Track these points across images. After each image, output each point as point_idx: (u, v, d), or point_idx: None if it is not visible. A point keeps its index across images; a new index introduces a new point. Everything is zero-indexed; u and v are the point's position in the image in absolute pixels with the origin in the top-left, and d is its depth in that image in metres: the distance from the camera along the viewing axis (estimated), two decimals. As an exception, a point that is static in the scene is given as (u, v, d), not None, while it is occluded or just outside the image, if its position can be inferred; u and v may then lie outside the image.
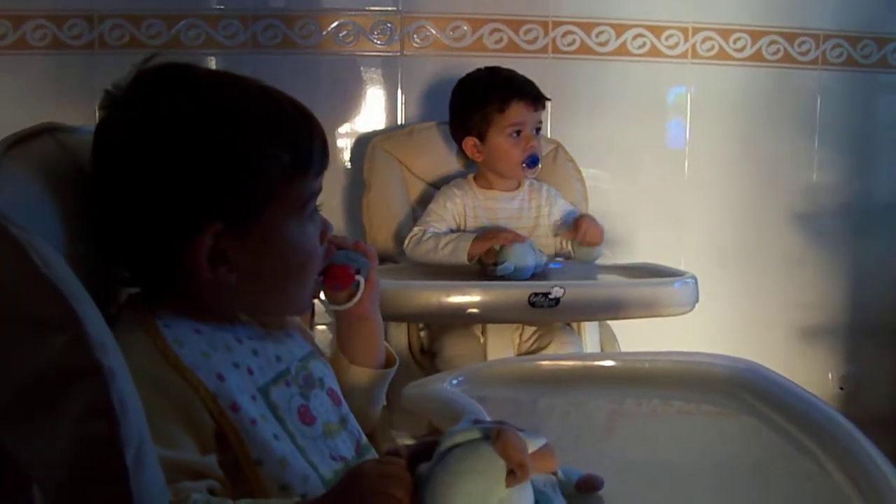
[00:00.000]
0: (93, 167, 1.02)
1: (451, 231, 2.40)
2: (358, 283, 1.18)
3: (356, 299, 1.19)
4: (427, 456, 0.85)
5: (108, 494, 0.76)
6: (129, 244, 1.02)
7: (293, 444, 1.00)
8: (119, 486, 0.75)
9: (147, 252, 1.01)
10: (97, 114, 1.04)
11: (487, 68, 2.49)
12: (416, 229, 2.37)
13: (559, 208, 2.48)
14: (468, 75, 2.50)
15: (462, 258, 2.23)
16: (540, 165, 2.44)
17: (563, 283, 1.96)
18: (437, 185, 2.63)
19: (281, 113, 1.04)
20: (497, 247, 2.19)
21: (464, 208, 2.44)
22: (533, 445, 0.82)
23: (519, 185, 2.49)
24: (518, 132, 2.39)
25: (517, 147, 2.39)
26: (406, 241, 2.35)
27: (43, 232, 0.85)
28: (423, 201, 2.62)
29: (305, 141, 1.05)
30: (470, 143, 2.45)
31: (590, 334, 2.34)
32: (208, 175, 0.98)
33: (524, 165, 2.40)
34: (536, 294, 1.92)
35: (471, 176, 2.52)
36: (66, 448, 0.75)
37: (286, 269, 1.07)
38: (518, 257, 2.15)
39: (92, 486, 0.76)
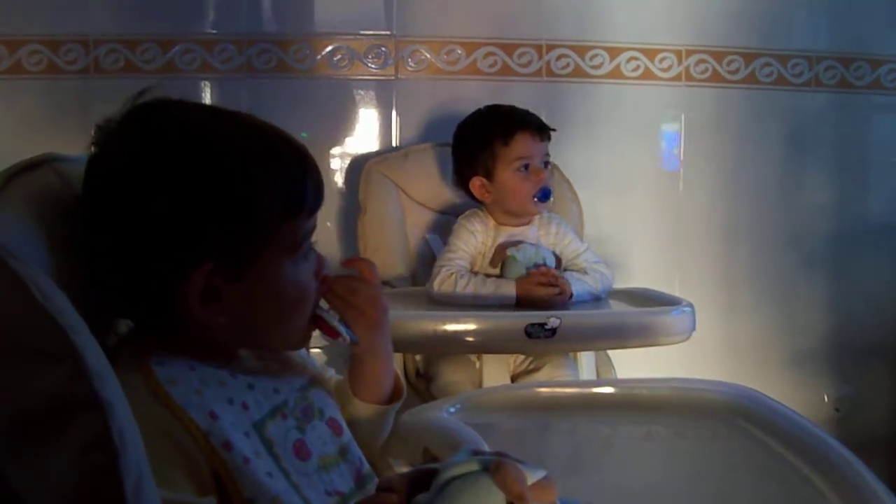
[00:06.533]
0: (83, 203, 1.00)
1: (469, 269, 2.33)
2: (344, 339, 1.15)
3: (344, 344, 1.17)
4: (424, 485, 0.85)
5: None
6: (123, 280, 1.01)
7: (287, 482, 0.99)
8: None
9: (141, 287, 1.00)
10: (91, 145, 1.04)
11: (487, 106, 2.43)
12: (444, 271, 2.25)
13: (567, 244, 2.38)
14: (468, 116, 2.44)
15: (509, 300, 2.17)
16: (552, 199, 2.37)
17: (559, 313, 1.96)
18: (432, 208, 2.63)
19: (275, 153, 1.03)
20: (509, 252, 2.23)
21: (483, 245, 2.36)
22: (532, 477, 0.82)
23: (530, 221, 2.39)
24: (526, 166, 2.31)
25: (527, 181, 2.31)
26: (437, 284, 2.23)
27: (41, 263, 0.85)
28: (419, 223, 2.63)
29: (299, 181, 1.04)
30: (477, 183, 2.36)
31: (586, 359, 2.34)
32: (200, 217, 0.97)
33: (535, 199, 2.32)
34: (533, 325, 1.91)
35: (486, 210, 2.40)
36: (66, 480, 0.74)
37: (279, 309, 1.06)
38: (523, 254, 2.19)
39: (92, 518, 0.75)
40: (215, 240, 0.98)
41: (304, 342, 1.13)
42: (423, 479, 0.84)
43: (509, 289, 2.17)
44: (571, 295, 2.18)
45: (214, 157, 0.99)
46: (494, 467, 0.79)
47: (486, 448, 1.10)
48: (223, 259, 0.98)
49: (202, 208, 0.97)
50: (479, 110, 2.44)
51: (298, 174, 1.04)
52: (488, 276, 2.27)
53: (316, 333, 1.14)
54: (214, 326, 1.00)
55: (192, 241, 0.97)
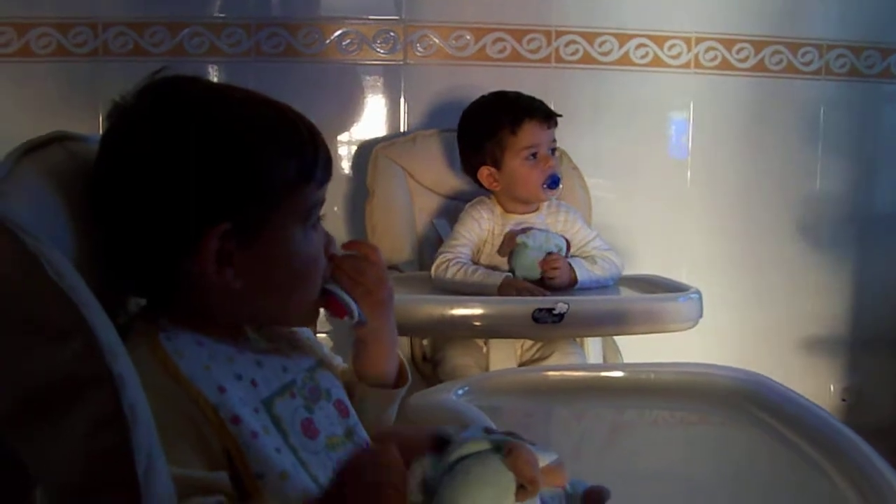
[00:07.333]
0: (98, 175, 1.01)
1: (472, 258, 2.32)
2: (353, 316, 1.15)
3: (352, 322, 1.16)
4: (429, 447, 0.85)
5: (118, 502, 0.76)
6: (135, 253, 1.01)
7: (295, 458, 0.99)
8: (129, 493, 0.75)
9: (153, 260, 1.01)
10: (102, 121, 1.04)
11: (492, 93, 2.40)
12: (441, 258, 2.26)
13: (576, 232, 2.37)
14: (473, 103, 2.42)
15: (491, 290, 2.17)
16: (561, 186, 2.35)
17: (567, 298, 1.95)
18: (440, 193, 2.63)
19: (287, 123, 1.05)
20: (519, 239, 2.22)
21: (490, 233, 2.35)
22: (544, 460, 0.82)
23: (538, 208, 2.38)
24: (534, 154, 2.29)
25: (535, 169, 2.29)
26: (433, 269, 2.25)
27: (53, 240, 0.85)
28: (427, 208, 2.64)
29: (310, 151, 1.05)
30: (485, 172, 2.34)
31: (592, 345, 2.34)
32: (214, 180, 0.98)
33: (545, 187, 2.29)
34: (540, 310, 1.91)
35: (494, 197, 2.40)
36: (77, 455, 0.75)
37: (291, 276, 1.07)
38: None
39: (102, 494, 0.76)
40: (230, 203, 0.99)
41: (313, 318, 1.13)
42: (425, 442, 0.84)
43: (494, 282, 2.17)
44: (577, 282, 2.18)
45: (229, 122, 1.01)
46: (507, 450, 0.79)
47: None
48: (237, 220, 0.99)
49: (217, 172, 0.98)
50: (484, 97, 2.42)
51: (310, 143, 1.06)
52: (488, 266, 2.27)
53: (321, 319, 1.14)
54: (228, 292, 1.01)
55: (206, 204, 0.98)
